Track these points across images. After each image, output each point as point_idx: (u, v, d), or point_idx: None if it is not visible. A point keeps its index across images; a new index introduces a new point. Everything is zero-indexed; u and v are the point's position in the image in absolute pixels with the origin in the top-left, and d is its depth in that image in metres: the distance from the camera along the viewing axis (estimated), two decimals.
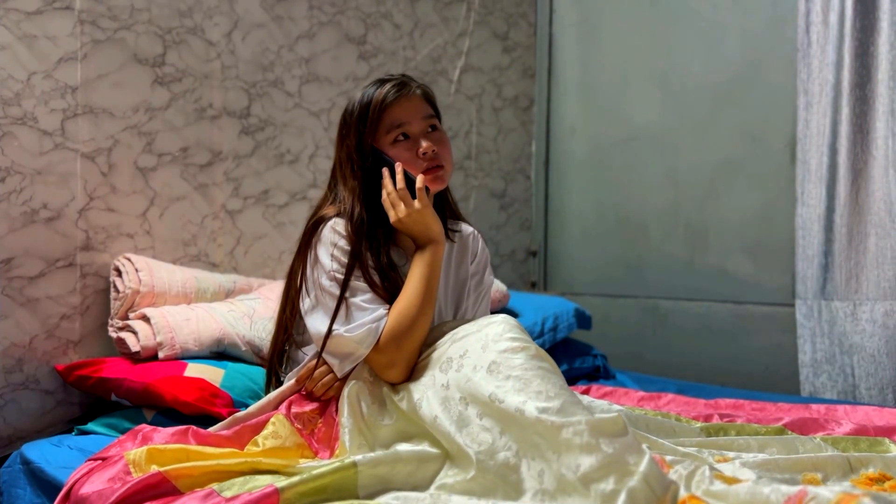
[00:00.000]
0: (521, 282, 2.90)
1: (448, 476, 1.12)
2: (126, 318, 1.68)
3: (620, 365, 2.44)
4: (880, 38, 2.04)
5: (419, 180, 1.34)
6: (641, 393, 1.74)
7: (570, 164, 2.88)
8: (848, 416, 1.50)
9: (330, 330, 1.32)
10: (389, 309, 1.34)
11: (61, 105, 1.69)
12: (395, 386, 1.30)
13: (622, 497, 0.91)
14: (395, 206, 1.35)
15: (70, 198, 1.71)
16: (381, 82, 1.40)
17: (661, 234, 2.63)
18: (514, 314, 2.15)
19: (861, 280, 2.06)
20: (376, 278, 1.35)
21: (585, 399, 1.53)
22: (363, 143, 1.38)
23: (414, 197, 1.34)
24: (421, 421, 1.19)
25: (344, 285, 1.33)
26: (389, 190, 1.35)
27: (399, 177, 1.34)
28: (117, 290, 1.70)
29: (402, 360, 1.30)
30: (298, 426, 1.31)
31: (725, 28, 2.47)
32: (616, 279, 2.74)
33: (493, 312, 2.07)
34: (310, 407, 1.34)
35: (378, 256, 1.37)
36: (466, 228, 1.56)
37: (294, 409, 1.34)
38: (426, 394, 1.21)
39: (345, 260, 1.35)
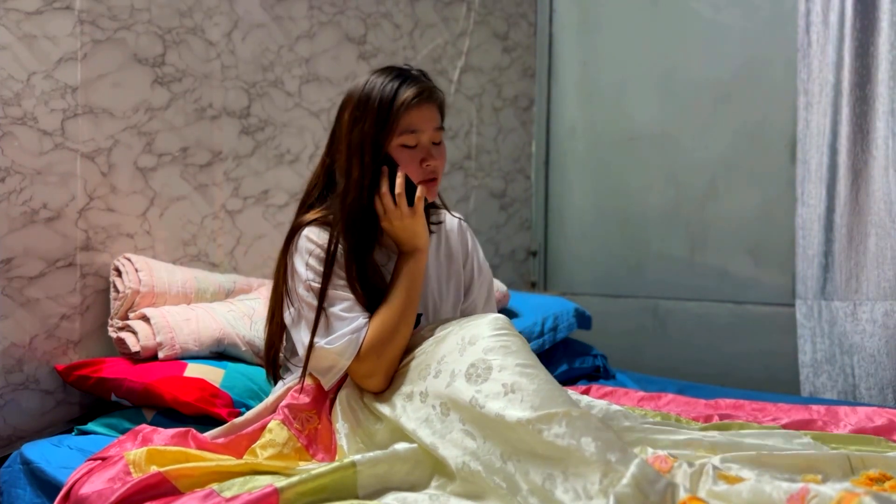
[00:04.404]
0: (521, 282, 2.90)
1: (444, 477, 1.12)
2: (126, 318, 1.68)
3: (620, 365, 2.44)
4: (880, 38, 2.04)
5: (419, 190, 1.33)
6: (641, 393, 1.74)
7: (570, 164, 2.88)
8: (848, 417, 1.50)
9: (311, 343, 1.30)
10: (370, 317, 1.32)
11: (61, 105, 1.69)
12: (376, 395, 1.30)
13: (611, 500, 0.91)
14: (389, 210, 1.32)
15: (70, 198, 1.70)
16: (405, 79, 1.35)
17: (661, 234, 2.63)
18: (514, 314, 2.15)
19: (861, 280, 2.06)
20: (356, 283, 1.34)
21: (584, 399, 1.53)
22: (379, 140, 1.32)
23: (410, 204, 1.33)
24: (403, 430, 1.19)
25: (321, 295, 1.31)
26: (384, 191, 1.32)
27: (400, 181, 1.32)
28: (117, 290, 1.70)
29: (382, 369, 1.29)
30: (297, 426, 1.29)
31: (725, 28, 2.47)
32: (616, 279, 2.74)
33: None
34: (304, 400, 1.32)
35: (362, 254, 1.35)
36: (452, 221, 1.54)
37: (290, 401, 1.31)
38: (406, 406, 1.21)
39: (320, 269, 1.33)
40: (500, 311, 2.11)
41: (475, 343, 1.18)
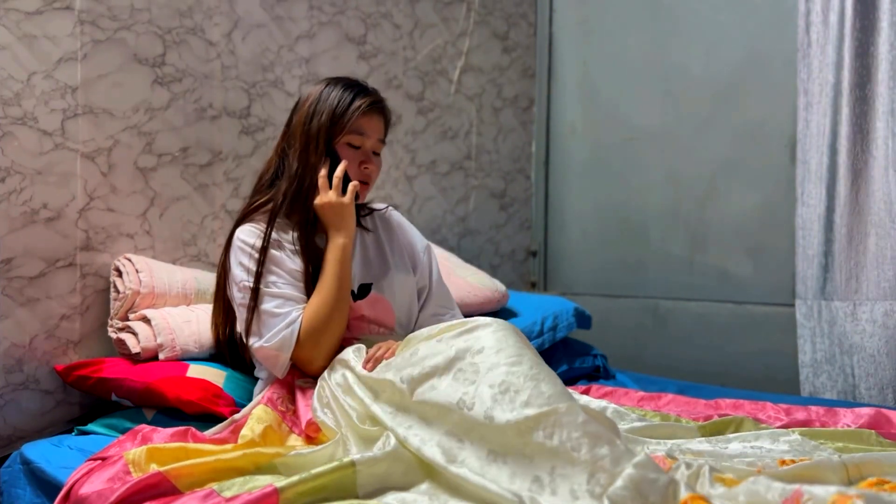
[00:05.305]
0: (521, 282, 2.90)
1: (435, 475, 1.12)
2: (126, 318, 1.68)
3: (620, 365, 2.44)
4: (880, 38, 2.04)
5: (354, 183, 1.50)
6: (641, 393, 1.74)
7: (570, 164, 2.88)
8: (847, 418, 1.49)
9: (250, 343, 1.44)
10: (304, 307, 1.44)
11: (61, 105, 1.69)
12: (371, 397, 1.29)
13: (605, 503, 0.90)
14: (324, 190, 1.48)
15: (70, 198, 1.70)
16: (361, 90, 1.53)
17: (661, 234, 2.63)
18: (513, 314, 2.15)
19: (861, 280, 2.06)
20: (294, 264, 1.46)
21: (583, 399, 1.52)
22: (331, 134, 1.50)
23: (345, 191, 1.49)
24: (394, 433, 1.19)
25: (255, 295, 1.43)
26: (323, 173, 1.49)
27: (340, 168, 1.49)
28: (117, 291, 1.70)
29: (321, 355, 1.43)
30: (282, 409, 1.38)
31: (725, 28, 2.47)
32: (616, 279, 2.74)
33: (492, 313, 2.10)
34: (283, 388, 1.43)
35: (306, 232, 1.50)
36: (381, 212, 1.69)
37: (274, 391, 1.42)
38: (396, 415, 1.20)
39: (253, 268, 1.45)
40: (499, 311, 2.13)
41: (467, 346, 1.18)
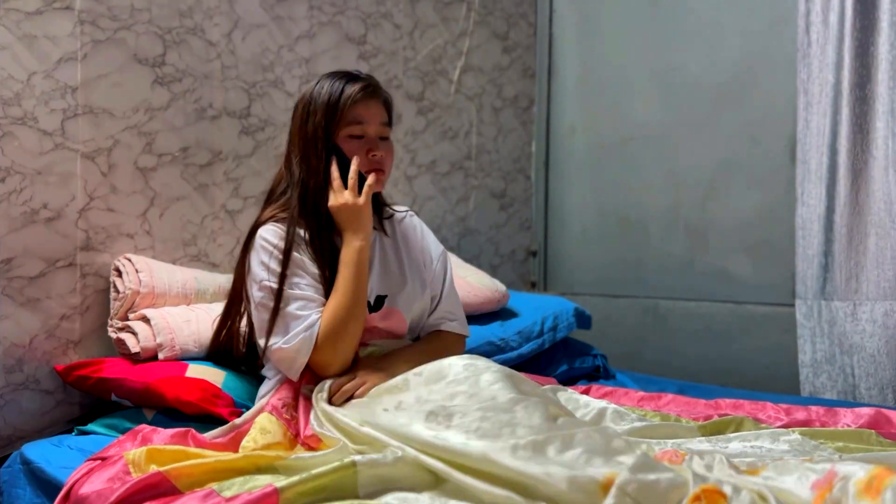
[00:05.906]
0: (521, 282, 2.90)
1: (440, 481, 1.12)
2: (126, 318, 1.68)
3: (620, 365, 2.44)
4: (880, 38, 2.04)
5: (370, 179, 1.44)
6: (641, 393, 1.74)
7: (570, 164, 2.88)
8: (847, 418, 1.49)
9: (268, 344, 1.40)
10: (322, 311, 1.41)
11: (61, 105, 1.69)
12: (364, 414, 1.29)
13: None
14: (339, 192, 1.43)
15: (70, 198, 1.70)
16: (351, 78, 1.48)
17: (661, 234, 2.63)
18: (513, 314, 2.15)
19: (861, 280, 2.06)
20: (315, 268, 1.43)
21: (583, 399, 1.52)
22: (329, 130, 1.45)
23: (360, 192, 1.44)
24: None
25: (278, 295, 1.39)
26: (336, 175, 1.44)
27: (354, 167, 1.44)
28: (117, 291, 1.70)
29: (338, 360, 1.41)
30: (287, 416, 1.35)
31: (725, 28, 2.47)
32: (616, 279, 2.74)
33: (492, 313, 2.09)
34: (289, 393, 1.41)
35: (320, 235, 1.45)
36: (400, 215, 1.64)
37: (280, 398, 1.39)
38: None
39: (277, 269, 1.41)
40: (499, 311, 2.13)
41: (436, 395, 1.20)
